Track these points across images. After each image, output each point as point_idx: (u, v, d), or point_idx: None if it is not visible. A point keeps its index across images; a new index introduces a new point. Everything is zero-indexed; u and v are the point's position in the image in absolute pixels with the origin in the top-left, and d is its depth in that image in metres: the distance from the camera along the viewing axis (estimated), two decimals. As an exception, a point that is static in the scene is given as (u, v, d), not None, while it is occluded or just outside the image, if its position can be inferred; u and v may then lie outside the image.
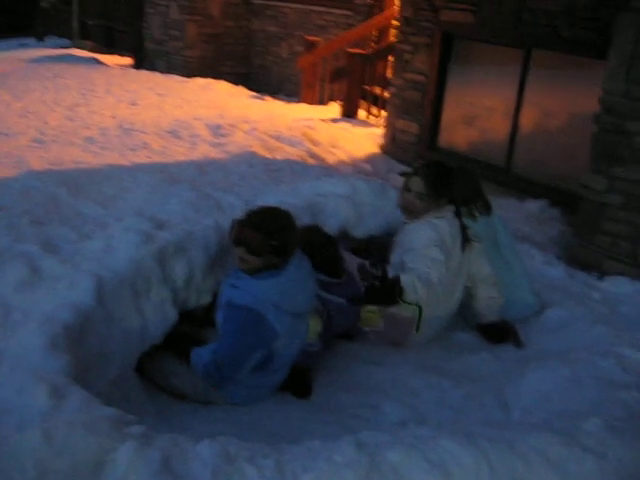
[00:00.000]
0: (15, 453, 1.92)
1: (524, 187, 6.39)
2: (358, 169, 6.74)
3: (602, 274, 4.63)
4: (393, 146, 7.59)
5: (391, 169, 7.06)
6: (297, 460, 2.04)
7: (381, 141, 7.78)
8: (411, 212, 3.66)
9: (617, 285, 4.30)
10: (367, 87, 8.93)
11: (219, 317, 3.09)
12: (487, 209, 3.96)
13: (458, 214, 3.64)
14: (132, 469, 1.92)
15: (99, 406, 2.20)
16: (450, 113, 7.16)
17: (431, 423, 2.94)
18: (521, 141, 6.51)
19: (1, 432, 2.06)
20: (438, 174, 3.66)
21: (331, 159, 6.69)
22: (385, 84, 8.52)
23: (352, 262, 3.65)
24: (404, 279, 3.36)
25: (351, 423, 2.96)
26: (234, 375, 3.00)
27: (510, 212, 6.29)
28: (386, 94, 8.26)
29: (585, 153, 4.94)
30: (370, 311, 3.51)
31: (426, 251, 3.45)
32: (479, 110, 6.91)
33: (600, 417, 2.33)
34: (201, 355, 3.03)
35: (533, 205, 6.21)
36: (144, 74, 10.02)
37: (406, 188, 3.68)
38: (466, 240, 3.62)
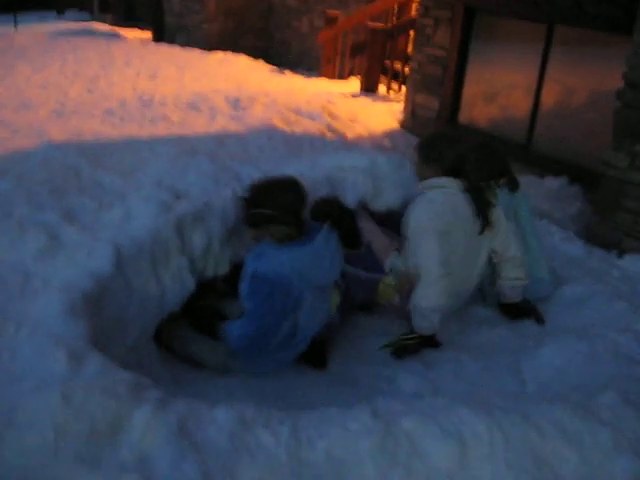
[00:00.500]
0: (34, 415, 1.94)
1: (545, 164, 6.33)
2: (377, 144, 6.70)
3: (621, 252, 4.59)
4: (412, 121, 7.53)
5: (410, 144, 6.98)
6: (312, 426, 2.06)
7: (400, 116, 7.72)
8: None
9: (636, 263, 4.25)
10: (387, 62, 8.85)
11: (243, 288, 3.09)
12: (511, 186, 3.91)
13: (471, 189, 3.53)
14: (149, 432, 1.94)
15: (117, 370, 2.22)
16: (471, 89, 7.08)
17: (446, 395, 2.94)
18: (542, 118, 6.43)
19: (20, 395, 2.08)
20: (425, 140, 3.69)
21: (350, 133, 6.65)
22: (406, 59, 8.45)
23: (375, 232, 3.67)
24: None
25: (366, 394, 2.97)
26: (266, 345, 3.01)
27: (530, 189, 6.22)
28: (407, 69, 8.19)
29: (607, 130, 4.87)
30: (387, 284, 3.51)
31: (420, 243, 3.39)
32: (500, 86, 6.83)
33: (616, 391, 2.32)
34: (232, 329, 3.04)
35: (553, 182, 6.15)
36: (164, 48, 10.01)
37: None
38: (485, 217, 3.53)
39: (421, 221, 3.41)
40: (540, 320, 3.55)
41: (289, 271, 2.92)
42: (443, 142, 3.63)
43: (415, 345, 3.34)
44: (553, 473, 2.03)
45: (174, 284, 3.07)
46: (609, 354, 2.82)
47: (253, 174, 4.29)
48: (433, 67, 7.26)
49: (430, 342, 3.39)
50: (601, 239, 4.81)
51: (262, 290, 2.94)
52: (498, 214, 3.58)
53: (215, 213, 3.35)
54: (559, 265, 4.12)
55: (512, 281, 3.62)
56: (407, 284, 3.44)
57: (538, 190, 6.20)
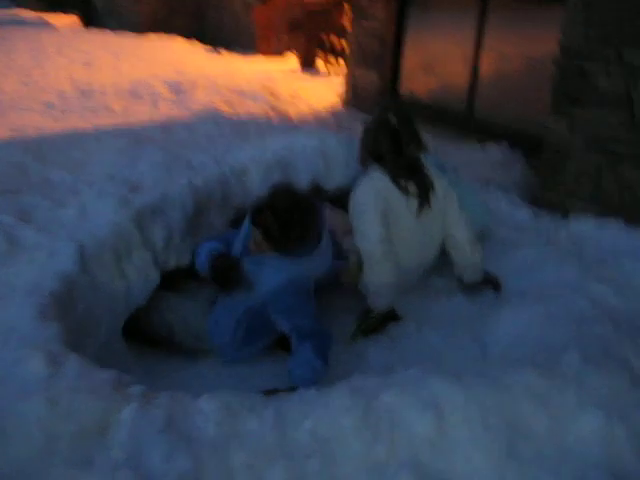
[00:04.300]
0: (20, 421, 1.95)
1: (485, 132, 6.47)
2: (320, 120, 6.74)
3: (566, 213, 4.76)
4: (354, 96, 7.58)
5: (353, 119, 7.08)
6: (296, 408, 2.13)
7: (341, 91, 7.76)
8: None
9: (582, 224, 4.41)
10: (324, 37, 8.87)
11: (284, 301, 3.03)
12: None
13: (393, 169, 3.49)
14: (137, 428, 1.97)
15: (97, 370, 2.24)
16: (410, 61, 7.16)
17: (414, 366, 3.05)
18: (481, 86, 6.56)
19: (3, 402, 2.08)
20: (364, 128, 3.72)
21: (293, 111, 6.67)
22: (342, 33, 8.48)
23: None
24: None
25: (338, 371, 3.05)
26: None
27: (472, 157, 6.39)
28: (343, 43, 8.22)
29: (545, 96, 5.02)
30: (352, 268, 3.58)
31: (360, 222, 3.43)
32: (439, 56, 6.92)
33: (576, 350, 2.46)
34: (308, 356, 2.85)
35: (495, 149, 6.29)
36: (95, 33, 9.79)
37: None
38: (423, 195, 3.51)
39: (360, 200, 3.46)
40: (497, 288, 3.66)
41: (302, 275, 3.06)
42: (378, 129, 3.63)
43: (378, 324, 3.42)
44: (526, 432, 2.15)
45: (139, 278, 3.09)
46: (565, 315, 2.94)
47: (205, 161, 4.29)
48: (371, 41, 7.30)
49: (391, 317, 3.48)
50: (545, 202, 4.98)
51: (305, 288, 3.04)
52: (445, 188, 3.62)
53: (173, 204, 3.36)
54: (508, 231, 4.25)
55: (468, 268, 3.66)
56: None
57: (481, 158, 6.34)
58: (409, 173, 3.48)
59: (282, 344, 3.26)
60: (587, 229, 4.33)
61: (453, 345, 3.21)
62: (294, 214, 2.97)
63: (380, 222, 3.37)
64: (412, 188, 3.48)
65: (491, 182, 5.47)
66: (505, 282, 3.70)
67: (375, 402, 2.12)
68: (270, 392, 2.52)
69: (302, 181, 4.13)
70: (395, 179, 3.45)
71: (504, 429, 2.13)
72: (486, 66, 6.50)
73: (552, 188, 5.00)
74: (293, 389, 2.62)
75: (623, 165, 4.58)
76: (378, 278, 3.35)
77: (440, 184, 3.57)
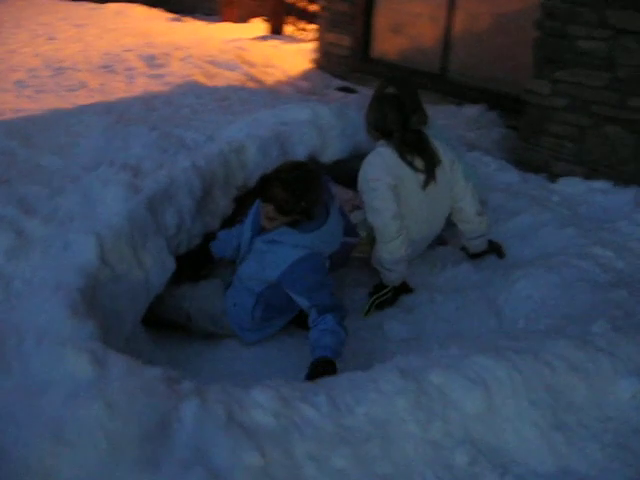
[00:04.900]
0: (81, 427, 1.92)
1: (461, 92, 6.50)
2: (296, 87, 6.68)
3: (551, 175, 4.85)
4: (326, 60, 7.52)
5: (327, 84, 7.04)
6: (347, 393, 2.16)
7: (314, 56, 7.68)
8: None
9: (570, 186, 4.50)
10: (291, 1, 8.73)
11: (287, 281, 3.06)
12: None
13: (400, 146, 3.49)
14: (200, 425, 1.97)
15: (144, 367, 2.21)
16: (381, 22, 7.12)
17: (431, 337, 3.13)
18: (455, 46, 6.56)
19: (52, 403, 2.05)
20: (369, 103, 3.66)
21: (269, 80, 6.60)
22: (310, -4, 8.37)
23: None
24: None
25: (358, 345, 3.10)
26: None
27: (449, 118, 6.41)
28: (311, 7, 8.11)
29: (519, 55, 5.05)
30: (363, 242, 3.61)
31: (372, 198, 3.43)
32: (411, 17, 6.89)
33: (605, 319, 2.54)
34: (329, 323, 2.88)
35: (472, 110, 6.33)
36: (52, 3, 9.41)
37: None
38: (429, 169, 3.53)
39: (371, 177, 3.45)
40: (501, 255, 3.72)
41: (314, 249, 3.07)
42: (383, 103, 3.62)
43: (391, 297, 3.47)
44: (567, 402, 2.23)
45: (156, 267, 3.04)
46: (579, 282, 3.03)
47: (197, 138, 4.22)
48: (342, 3, 7.22)
49: (403, 289, 3.53)
50: (530, 164, 5.06)
51: (320, 263, 3.06)
52: (451, 160, 3.64)
53: (181, 187, 3.31)
54: (499, 196, 4.30)
55: (476, 239, 3.69)
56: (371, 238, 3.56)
57: (458, 119, 6.37)
58: (415, 148, 3.49)
59: (299, 322, 3.29)
60: (577, 191, 4.42)
61: (467, 314, 3.29)
62: (302, 183, 3.01)
63: (392, 198, 3.39)
64: (419, 163, 3.49)
65: (473, 145, 5.52)
66: (507, 249, 3.77)
67: (425, 383, 2.17)
68: (314, 375, 2.56)
69: (299, 156, 4.10)
70: (402, 154, 3.46)
71: (548, 401, 2.21)
72: (459, 25, 6.49)
73: (535, 150, 5.08)
74: (318, 365, 2.67)
75: (607, 126, 4.67)
76: (392, 254, 3.38)
77: (446, 157, 3.59)
